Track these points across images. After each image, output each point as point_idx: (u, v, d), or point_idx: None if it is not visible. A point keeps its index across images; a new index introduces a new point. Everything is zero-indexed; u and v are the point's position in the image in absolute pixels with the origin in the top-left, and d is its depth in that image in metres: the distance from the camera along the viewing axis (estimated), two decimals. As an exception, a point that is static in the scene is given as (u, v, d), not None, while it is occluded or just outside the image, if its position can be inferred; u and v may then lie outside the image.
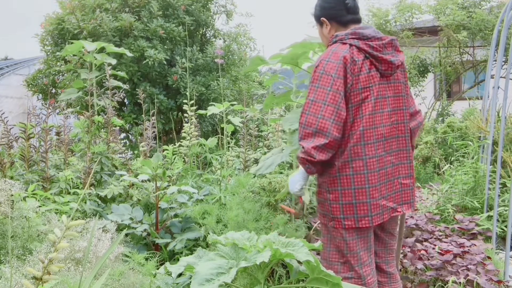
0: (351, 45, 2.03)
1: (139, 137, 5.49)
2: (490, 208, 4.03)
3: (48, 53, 7.42)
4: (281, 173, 3.62)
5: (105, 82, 4.05)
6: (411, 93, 2.29)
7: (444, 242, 3.45)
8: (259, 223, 2.86)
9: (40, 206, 2.65)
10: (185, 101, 4.62)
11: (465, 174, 4.45)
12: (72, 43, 4.25)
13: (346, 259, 2.08)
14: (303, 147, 1.96)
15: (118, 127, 3.97)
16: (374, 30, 2.09)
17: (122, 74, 4.39)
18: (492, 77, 4.76)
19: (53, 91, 7.50)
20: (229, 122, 4.55)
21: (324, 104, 1.95)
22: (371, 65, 2.04)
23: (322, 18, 2.18)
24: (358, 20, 2.16)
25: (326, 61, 2.00)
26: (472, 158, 4.56)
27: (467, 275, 2.85)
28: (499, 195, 3.74)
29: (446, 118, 8.30)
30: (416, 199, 2.27)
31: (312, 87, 2.01)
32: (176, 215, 3.15)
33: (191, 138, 4.10)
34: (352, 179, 2.02)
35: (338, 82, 1.97)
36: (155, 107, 5.99)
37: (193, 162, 4.18)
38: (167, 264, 2.34)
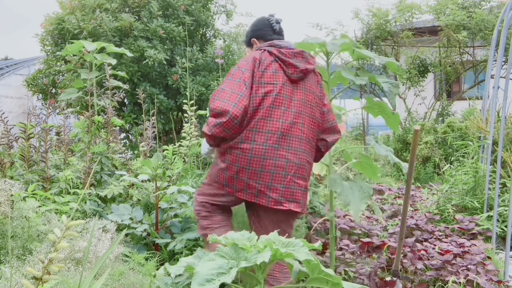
0: (264, 50, 2.41)
1: (139, 137, 5.49)
2: (490, 208, 4.03)
3: (48, 53, 7.41)
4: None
5: (105, 82, 4.05)
6: (332, 110, 2.54)
7: (444, 242, 3.46)
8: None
9: (40, 206, 2.65)
10: (185, 101, 4.61)
11: (465, 174, 4.45)
12: (72, 43, 4.25)
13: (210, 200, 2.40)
14: (207, 123, 2.30)
15: (118, 127, 3.96)
16: (289, 44, 2.45)
17: (122, 74, 4.39)
18: (492, 77, 4.76)
19: (53, 91, 7.49)
20: (229, 122, 4.53)
21: (231, 92, 2.28)
22: (279, 67, 2.36)
23: (252, 39, 2.57)
24: (281, 40, 2.52)
25: (241, 61, 2.41)
26: (472, 158, 4.56)
27: (467, 275, 2.85)
28: (499, 195, 3.74)
29: (446, 118, 8.31)
30: (306, 200, 2.41)
31: (226, 79, 2.35)
32: (176, 215, 3.15)
33: (191, 138, 4.10)
34: (238, 158, 2.29)
35: (246, 75, 2.31)
36: (155, 107, 5.99)
37: (193, 162, 4.18)
38: (167, 264, 2.34)
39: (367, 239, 3.27)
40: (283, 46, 2.42)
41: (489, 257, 3.19)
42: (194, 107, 4.28)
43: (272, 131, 2.29)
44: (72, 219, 1.66)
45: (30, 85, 7.66)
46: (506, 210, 3.96)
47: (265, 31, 2.53)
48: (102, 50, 4.25)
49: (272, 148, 2.28)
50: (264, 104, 2.30)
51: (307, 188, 2.39)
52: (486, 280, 2.82)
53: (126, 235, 2.87)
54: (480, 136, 4.66)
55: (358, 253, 3.13)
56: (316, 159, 2.54)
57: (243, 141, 2.28)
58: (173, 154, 4.04)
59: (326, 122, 2.47)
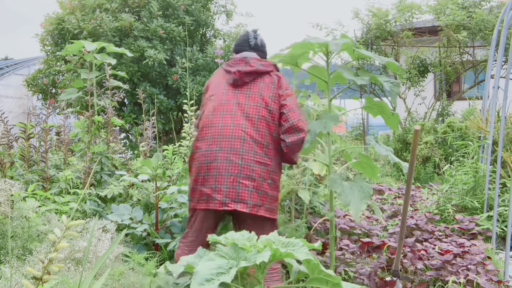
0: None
1: (139, 137, 5.49)
2: (490, 208, 4.03)
3: (48, 53, 7.42)
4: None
5: (105, 82, 4.04)
6: (294, 108, 2.49)
7: (444, 242, 3.46)
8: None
9: (40, 206, 2.64)
10: (185, 101, 4.61)
11: (465, 174, 4.45)
12: (72, 43, 4.24)
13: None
14: None
15: (118, 127, 3.96)
16: (247, 55, 2.56)
17: (122, 74, 4.38)
18: (492, 77, 4.76)
19: (53, 91, 7.49)
20: (229, 122, 4.53)
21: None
22: (222, 78, 2.56)
23: (234, 53, 2.71)
24: (252, 52, 2.62)
25: None
26: (472, 158, 4.56)
27: (467, 275, 2.85)
28: (499, 195, 3.74)
29: (446, 118, 8.30)
30: (261, 202, 2.38)
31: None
32: (176, 215, 3.15)
33: (191, 138, 4.10)
34: (194, 169, 2.46)
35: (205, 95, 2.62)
36: (155, 107, 5.99)
37: (193, 162, 4.17)
38: (167, 263, 2.34)
39: (367, 239, 3.27)
40: (237, 57, 2.57)
41: (489, 257, 3.19)
42: (194, 107, 4.28)
43: (213, 136, 2.42)
44: (72, 219, 1.66)
45: (30, 85, 7.66)
46: (506, 210, 3.96)
47: (242, 46, 2.66)
48: (102, 50, 4.24)
49: (213, 152, 2.40)
50: (206, 114, 2.51)
51: (258, 187, 2.37)
52: (486, 280, 2.82)
53: (126, 235, 2.87)
54: (480, 136, 4.66)
55: (358, 253, 3.13)
56: (285, 160, 2.52)
57: (194, 152, 2.49)
58: (173, 154, 4.04)
59: (286, 121, 2.45)
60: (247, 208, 2.34)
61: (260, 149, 2.40)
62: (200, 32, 7.98)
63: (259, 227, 2.32)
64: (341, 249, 3.14)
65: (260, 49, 2.67)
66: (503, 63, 6.11)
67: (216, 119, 2.44)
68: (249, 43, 2.65)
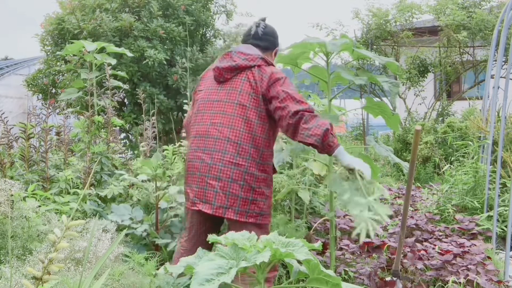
0: None
1: (139, 137, 5.49)
2: (490, 208, 4.03)
3: (48, 53, 7.41)
4: (281, 173, 3.62)
5: (105, 82, 4.05)
6: (290, 94, 2.27)
7: (444, 242, 3.46)
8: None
9: (40, 206, 2.64)
10: (185, 101, 4.62)
11: (465, 174, 4.45)
12: (72, 43, 4.24)
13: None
14: None
15: (118, 127, 3.96)
16: (236, 48, 2.45)
17: (122, 74, 4.39)
18: (492, 77, 4.76)
19: (53, 91, 7.49)
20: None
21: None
22: (210, 73, 2.47)
23: None
24: (251, 43, 2.50)
25: None
26: (472, 158, 4.56)
27: (467, 275, 2.85)
28: (499, 195, 3.74)
29: (446, 118, 8.31)
30: (228, 204, 2.26)
31: None
32: (176, 215, 3.15)
33: (191, 138, 4.10)
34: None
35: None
36: (155, 107, 5.99)
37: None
38: (167, 264, 2.34)
39: (367, 239, 3.27)
40: (231, 50, 2.47)
41: (489, 257, 3.19)
42: (194, 107, 4.27)
43: (194, 135, 2.40)
44: (72, 219, 1.66)
45: (30, 85, 7.66)
46: (506, 210, 3.96)
47: (246, 36, 2.56)
48: (102, 50, 4.25)
49: (193, 151, 2.38)
50: (193, 112, 2.50)
51: (225, 188, 2.25)
52: (486, 280, 2.82)
53: (126, 235, 2.87)
54: (480, 136, 4.66)
55: (358, 253, 3.13)
56: (320, 150, 2.26)
57: (187, 150, 2.48)
58: (173, 154, 4.04)
59: (284, 113, 2.24)
60: (211, 209, 2.27)
61: (233, 148, 2.27)
62: (200, 32, 7.98)
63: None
64: (341, 249, 3.14)
65: (262, 38, 2.51)
66: (503, 63, 6.11)
67: (199, 118, 2.41)
68: (250, 33, 2.52)
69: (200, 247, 2.36)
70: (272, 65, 2.41)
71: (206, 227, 2.39)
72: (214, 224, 2.42)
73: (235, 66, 2.36)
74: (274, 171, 2.46)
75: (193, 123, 2.44)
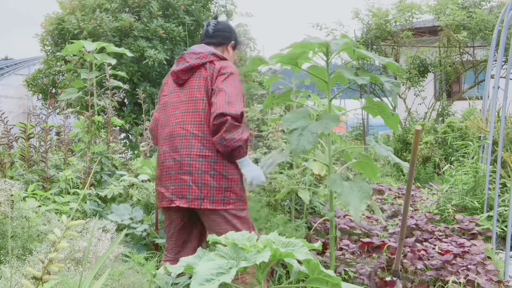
0: None
1: (139, 137, 5.49)
2: (490, 208, 4.03)
3: (48, 53, 7.41)
4: (281, 173, 3.62)
5: (105, 82, 4.05)
6: (221, 94, 2.34)
7: (444, 242, 3.46)
8: (259, 223, 2.86)
9: (40, 206, 2.64)
10: (185, 101, 4.61)
11: (465, 174, 4.45)
12: (72, 43, 4.24)
13: None
14: None
15: (118, 127, 3.96)
16: (190, 49, 2.53)
17: (122, 74, 4.39)
18: (492, 77, 4.76)
19: (53, 91, 7.49)
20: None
21: None
22: (170, 80, 2.57)
23: None
24: (205, 43, 2.61)
25: None
26: (472, 158, 4.56)
27: (467, 275, 2.85)
28: (499, 195, 3.74)
29: (446, 118, 8.31)
30: (202, 195, 2.33)
31: None
32: (176, 215, 3.14)
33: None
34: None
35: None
36: (155, 107, 5.98)
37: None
38: (167, 264, 2.34)
39: (367, 239, 3.27)
40: (184, 53, 2.56)
41: (489, 257, 3.19)
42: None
43: (164, 137, 2.49)
44: (72, 219, 1.66)
45: (30, 85, 7.66)
46: (506, 210, 3.96)
47: (201, 37, 2.68)
48: (102, 50, 4.25)
49: (164, 153, 2.47)
50: (158, 117, 2.60)
51: (196, 181, 2.32)
52: (486, 280, 2.82)
53: (126, 235, 2.87)
54: (480, 136, 4.66)
55: (358, 253, 3.13)
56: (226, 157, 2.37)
57: (157, 153, 2.58)
58: (173, 154, 4.04)
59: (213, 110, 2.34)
60: (187, 203, 2.35)
61: (198, 142, 2.37)
62: (200, 32, 7.98)
63: (214, 223, 2.35)
64: (341, 249, 3.14)
65: (214, 35, 2.61)
66: (503, 63, 6.11)
67: (165, 121, 2.51)
68: (205, 33, 2.64)
69: (182, 244, 2.50)
70: (225, 59, 2.51)
71: (184, 223, 2.49)
72: (192, 220, 2.50)
73: (188, 66, 2.46)
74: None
75: (160, 126, 2.56)
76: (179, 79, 2.50)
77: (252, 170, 2.42)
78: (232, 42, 2.66)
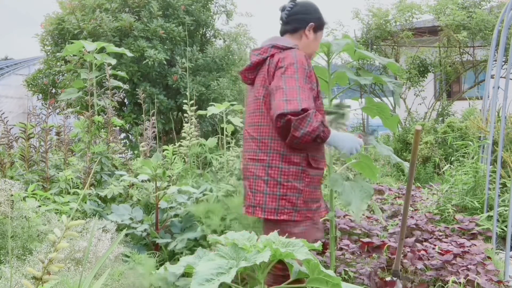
0: None
1: (139, 137, 5.49)
2: (490, 208, 4.03)
3: (48, 53, 7.42)
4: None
5: (105, 82, 4.05)
6: (278, 90, 2.10)
7: (444, 242, 3.45)
8: (259, 223, 2.85)
9: (40, 206, 2.64)
10: (185, 101, 4.62)
11: (465, 174, 4.45)
12: (72, 43, 4.25)
13: None
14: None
15: (118, 127, 3.96)
16: (271, 39, 2.28)
17: (122, 74, 4.39)
18: (492, 77, 4.76)
19: (53, 91, 7.50)
20: (229, 122, 4.55)
21: None
22: None
23: None
24: (280, 31, 2.36)
25: None
26: (472, 158, 4.56)
27: (467, 275, 2.85)
28: (499, 195, 3.74)
29: (446, 118, 8.31)
30: (255, 202, 2.16)
31: None
32: (176, 215, 3.15)
33: (191, 138, 4.10)
34: None
35: None
36: (155, 107, 5.99)
37: (193, 162, 4.18)
38: (167, 264, 2.34)
39: (367, 239, 3.27)
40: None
41: (489, 257, 3.19)
42: (194, 107, 4.28)
43: (243, 141, 2.36)
44: (72, 219, 1.66)
45: (30, 85, 7.67)
46: (506, 210, 3.96)
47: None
48: (102, 50, 4.25)
49: (243, 157, 2.34)
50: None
51: (252, 188, 2.18)
52: (486, 280, 2.82)
53: (126, 235, 2.87)
54: (480, 136, 4.66)
55: (358, 253, 3.13)
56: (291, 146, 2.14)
57: None
58: (173, 154, 4.04)
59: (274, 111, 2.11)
60: (247, 210, 2.22)
61: (255, 145, 2.20)
62: (200, 32, 7.98)
63: (266, 231, 2.13)
64: (341, 249, 3.14)
65: (288, 22, 2.33)
66: (503, 63, 6.11)
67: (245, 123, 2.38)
68: (280, 20, 2.36)
69: None
70: (289, 48, 2.17)
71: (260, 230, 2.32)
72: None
73: (251, 65, 2.27)
74: (316, 163, 2.23)
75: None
76: (247, 79, 2.32)
77: (343, 141, 2.17)
78: (311, 24, 2.31)
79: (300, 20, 2.30)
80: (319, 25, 2.33)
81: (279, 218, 2.11)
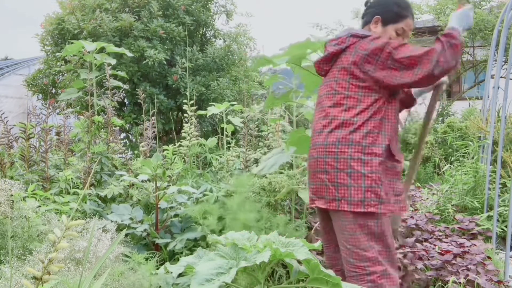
0: None
1: (139, 137, 5.49)
2: (490, 208, 4.03)
3: (48, 53, 7.42)
4: (281, 173, 3.62)
5: (105, 82, 4.05)
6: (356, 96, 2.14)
7: (444, 242, 3.45)
8: (260, 223, 2.86)
9: (40, 206, 2.64)
10: (185, 101, 4.62)
11: (465, 174, 4.45)
12: (72, 43, 4.25)
13: None
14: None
15: (118, 127, 3.96)
16: (347, 29, 2.24)
17: (122, 74, 4.39)
18: (492, 77, 4.76)
19: (53, 91, 7.50)
20: (229, 122, 4.55)
21: None
22: None
23: None
24: (363, 23, 2.32)
25: None
26: (472, 158, 4.56)
27: (467, 275, 2.85)
28: (499, 195, 3.74)
29: (446, 118, 8.31)
30: (340, 196, 2.10)
31: None
32: (176, 215, 3.15)
33: (191, 138, 4.10)
34: None
35: None
36: (155, 107, 5.99)
37: (193, 162, 4.18)
38: (167, 264, 2.34)
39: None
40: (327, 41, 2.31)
41: (489, 257, 3.19)
42: (194, 107, 4.28)
43: (312, 134, 2.29)
44: (72, 219, 1.66)
45: (30, 85, 7.67)
46: (506, 210, 3.96)
47: None
48: (102, 50, 4.25)
49: (309, 150, 2.28)
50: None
51: (334, 181, 2.11)
52: (486, 280, 2.82)
53: (126, 235, 2.87)
54: (480, 136, 4.66)
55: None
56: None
57: None
58: (173, 154, 4.05)
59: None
60: (325, 203, 2.15)
61: (334, 138, 2.14)
62: (200, 32, 7.98)
63: (344, 227, 2.10)
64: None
65: (365, 14, 2.30)
66: (503, 63, 6.12)
67: (314, 116, 2.31)
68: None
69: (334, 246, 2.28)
70: (366, 36, 2.11)
71: (330, 224, 2.26)
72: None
73: (327, 55, 2.20)
74: (397, 155, 2.21)
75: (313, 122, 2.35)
76: (321, 70, 2.26)
77: (461, 21, 2.11)
78: (376, 17, 2.22)
79: (368, 14, 2.27)
80: (387, 18, 2.22)
81: (366, 210, 2.06)
